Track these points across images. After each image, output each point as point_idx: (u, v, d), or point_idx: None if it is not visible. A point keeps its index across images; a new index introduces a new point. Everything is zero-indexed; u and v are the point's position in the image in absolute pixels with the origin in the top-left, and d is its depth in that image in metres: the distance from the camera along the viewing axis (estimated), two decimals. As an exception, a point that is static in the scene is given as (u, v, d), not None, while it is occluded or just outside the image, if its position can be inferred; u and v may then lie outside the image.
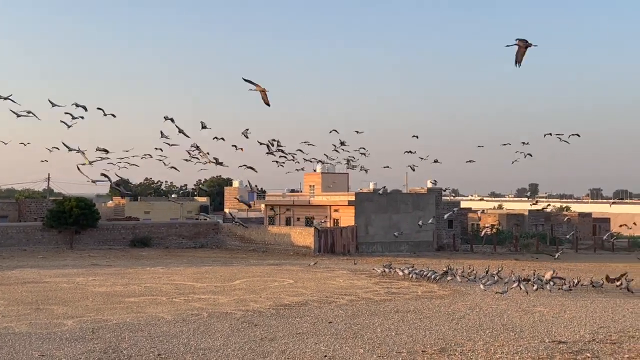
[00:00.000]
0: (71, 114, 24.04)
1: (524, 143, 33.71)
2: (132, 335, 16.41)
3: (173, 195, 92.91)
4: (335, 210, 55.28)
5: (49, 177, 75.89)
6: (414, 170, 40.43)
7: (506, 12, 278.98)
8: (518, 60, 13.27)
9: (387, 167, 46.21)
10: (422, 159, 39.61)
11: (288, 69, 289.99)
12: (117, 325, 17.95)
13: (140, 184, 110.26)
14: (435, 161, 39.78)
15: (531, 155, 33.54)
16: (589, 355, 14.50)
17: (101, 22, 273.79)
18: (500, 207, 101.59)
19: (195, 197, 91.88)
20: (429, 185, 60.23)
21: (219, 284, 28.41)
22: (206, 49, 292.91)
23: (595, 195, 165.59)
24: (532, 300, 24.15)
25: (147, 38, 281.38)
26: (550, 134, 31.90)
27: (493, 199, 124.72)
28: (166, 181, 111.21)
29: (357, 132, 36.96)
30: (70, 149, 22.42)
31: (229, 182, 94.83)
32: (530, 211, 75.28)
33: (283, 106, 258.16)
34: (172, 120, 25.07)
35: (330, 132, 34.84)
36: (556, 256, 39.53)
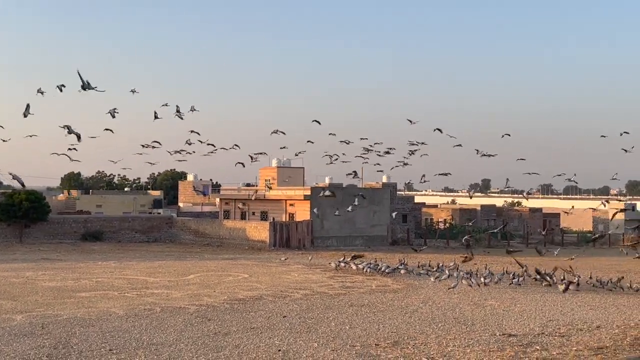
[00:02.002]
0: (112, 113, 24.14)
1: (626, 133, 31.40)
2: (83, 331, 16.15)
3: (126, 189, 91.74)
4: (291, 205, 55.25)
5: (-3, 170, 74.09)
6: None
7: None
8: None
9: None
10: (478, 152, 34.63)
11: (288, 69, 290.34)
12: (68, 320, 17.65)
13: (92, 177, 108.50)
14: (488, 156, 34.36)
15: (628, 151, 31.60)
16: (538, 347, 14.79)
17: (92, 22, 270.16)
18: (453, 202, 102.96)
19: (148, 191, 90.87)
20: (384, 180, 60.69)
21: (173, 279, 28.15)
22: (204, 49, 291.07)
23: (546, 190, 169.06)
24: (484, 293, 24.53)
25: (156, 38, 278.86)
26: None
27: (447, 194, 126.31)
28: (119, 174, 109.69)
29: (410, 121, 34.02)
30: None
31: (183, 175, 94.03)
32: (482, 206, 76.52)
33: (283, 106, 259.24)
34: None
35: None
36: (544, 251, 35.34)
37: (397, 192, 61.86)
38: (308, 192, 53.82)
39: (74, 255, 40.72)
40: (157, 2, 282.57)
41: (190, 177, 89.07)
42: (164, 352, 13.90)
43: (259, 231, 50.62)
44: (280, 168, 63.24)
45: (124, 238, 55.71)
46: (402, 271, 30.10)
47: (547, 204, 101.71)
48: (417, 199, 76.12)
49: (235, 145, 33.17)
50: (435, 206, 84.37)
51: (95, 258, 38.90)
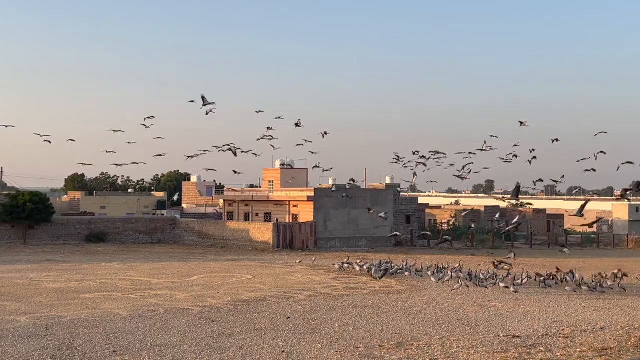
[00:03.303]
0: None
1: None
2: (87, 332, 16.18)
3: (129, 190, 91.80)
4: (295, 206, 55.25)
5: (2, 171, 74.33)
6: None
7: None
8: None
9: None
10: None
11: (287, 69, 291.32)
12: (72, 321, 17.68)
13: (96, 178, 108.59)
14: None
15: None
16: (542, 349, 14.77)
17: (91, 21, 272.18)
18: (457, 203, 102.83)
19: (152, 192, 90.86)
20: (388, 181, 60.72)
21: (176, 280, 28.18)
22: (204, 48, 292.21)
23: (550, 191, 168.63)
24: (488, 295, 24.50)
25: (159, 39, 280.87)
26: None
27: (450, 194, 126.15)
28: (122, 176, 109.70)
29: (521, 123, 29.60)
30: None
31: (186, 177, 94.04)
32: (486, 207, 76.38)
33: (283, 106, 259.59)
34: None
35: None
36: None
37: (401, 193, 61.81)
38: (311, 194, 53.82)
39: (78, 257, 40.78)
40: (157, 3, 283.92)
41: (193, 179, 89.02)
42: (168, 354, 13.92)
43: (262, 232, 50.61)
44: (284, 169, 63.22)
45: (127, 239, 55.76)
46: (406, 273, 30.12)
47: (551, 204, 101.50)
48: (421, 200, 76.05)
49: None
50: (439, 207, 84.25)
51: (99, 259, 38.96)
